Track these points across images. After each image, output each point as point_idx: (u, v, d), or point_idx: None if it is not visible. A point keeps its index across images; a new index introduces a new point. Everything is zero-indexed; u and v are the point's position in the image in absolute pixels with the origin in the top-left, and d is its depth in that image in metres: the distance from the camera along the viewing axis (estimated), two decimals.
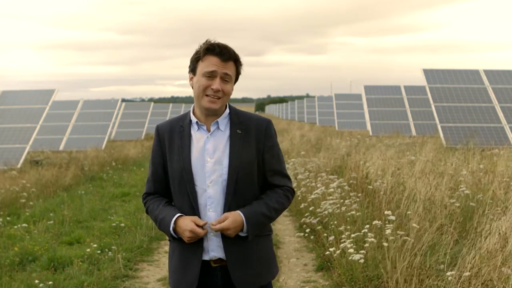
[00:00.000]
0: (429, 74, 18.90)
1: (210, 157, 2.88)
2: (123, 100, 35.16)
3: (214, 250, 2.89)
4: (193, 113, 2.97)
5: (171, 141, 2.95)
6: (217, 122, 2.92)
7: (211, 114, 2.91)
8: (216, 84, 2.84)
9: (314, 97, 49.35)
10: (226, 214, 2.84)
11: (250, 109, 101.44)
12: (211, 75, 2.85)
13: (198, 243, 2.87)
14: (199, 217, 2.87)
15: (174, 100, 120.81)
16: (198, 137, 2.92)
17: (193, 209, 2.87)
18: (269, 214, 2.92)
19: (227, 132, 2.92)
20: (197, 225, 2.82)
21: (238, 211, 2.85)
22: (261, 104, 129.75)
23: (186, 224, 2.82)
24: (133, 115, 31.91)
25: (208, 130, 2.92)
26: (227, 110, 2.96)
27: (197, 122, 2.93)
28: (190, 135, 2.92)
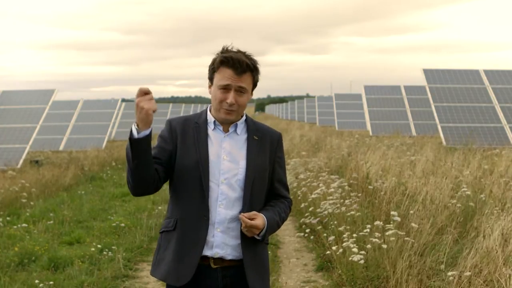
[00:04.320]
0: (429, 74, 18.89)
1: (226, 155, 2.90)
2: (123, 100, 35.16)
3: (218, 246, 2.87)
4: (210, 113, 2.98)
5: (184, 135, 2.93)
6: (236, 125, 2.95)
7: (228, 123, 2.96)
8: (231, 98, 2.86)
9: (314, 97, 49.33)
10: (255, 212, 2.85)
11: (250, 109, 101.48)
12: (225, 88, 2.87)
13: (201, 236, 2.85)
14: (208, 210, 2.85)
15: (174, 100, 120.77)
16: (214, 135, 2.94)
17: (204, 202, 2.85)
18: (280, 224, 3.00)
19: (244, 136, 2.96)
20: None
21: (263, 215, 2.87)
22: (261, 104, 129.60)
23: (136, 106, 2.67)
24: (133, 115, 31.87)
25: (225, 131, 2.95)
26: (244, 117, 3.00)
27: (214, 122, 2.94)
28: (206, 132, 2.94)
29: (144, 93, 2.69)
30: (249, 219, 2.81)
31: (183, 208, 2.89)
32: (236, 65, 2.84)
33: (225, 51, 2.89)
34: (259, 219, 2.83)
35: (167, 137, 2.95)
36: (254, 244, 2.90)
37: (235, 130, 2.96)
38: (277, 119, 62.88)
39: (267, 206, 2.98)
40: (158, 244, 3.00)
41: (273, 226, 2.93)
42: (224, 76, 2.86)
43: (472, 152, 11.88)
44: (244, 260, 2.88)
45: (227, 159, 2.90)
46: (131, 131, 2.71)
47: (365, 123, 26.46)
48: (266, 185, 2.98)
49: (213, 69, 2.91)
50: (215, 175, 2.87)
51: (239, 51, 2.89)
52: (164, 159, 2.91)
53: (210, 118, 2.96)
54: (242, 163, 2.90)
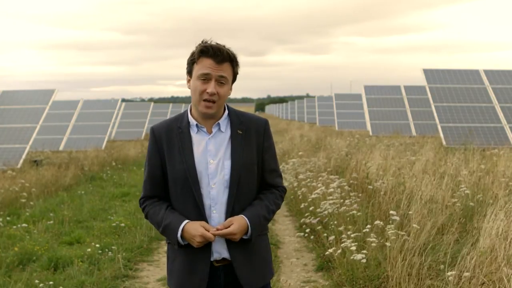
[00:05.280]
0: (429, 74, 18.89)
1: (212, 158, 2.88)
2: (123, 100, 35.16)
3: (218, 251, 2.89)
4: (191, 115, 2.96)
5: (170, 143, 2.92)
6: (219, 124, 2.93)
7: (209, 118, 2.92)
8: (211, 87, 2.83)
9: (314, 97, 49.34)
10: (231, 218, 2.84)
11: (250, 109, 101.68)
12: (206, 78, 2.85)
13: (205, 245, 2.86)
14: (204, 218, 2.86)
15: (174, 100, 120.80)
16: (198, 138, 2.91)
17: (198, 210, 2.86)
18: (268, 216, 2.96)
19: (228, 133, 2.92)
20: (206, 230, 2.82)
21: (242, 215, 2.86)
22: (261, 104, 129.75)
23: (196, 229, 2.80)
24: (133, 115, 31.90)
25: (209, 132, 2.92)
26: (226, 111, 2.97)
27: (197, 125, 2.92)
28: (190, 137, 2.91)
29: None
30: (225, 227, 2.82)
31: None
32: (216, 54, 2.83)
33: (203, 43, 2.88)
34: (234, 225, 2.81)
35: (154, 150, 2.96)
36: (243, 243, 2.89)
37: (219, 129, 2.93)
38: (277, 119, 62.90)
39: (254, 201, 2.95)
40: (167, 255, 3.05)
41: (260, 222, 2.90)
42: (205, 65, 2.84)
43: (472, 152, 11.87)
44: (233, 260, 2.89)
45: (214, 163, 2.87)
46: (176, 236, 2.85)
47: (365, 123, 26.47)
48: (256, 178, 2.96)
49: (192, 61, 2.88)
50: (205, 181, 2.87)
51: (218, 44, 2.89)
52: (162, 179, 2.96)
53: (192, 121, 2.93)
54: (227, 164, 2.87)
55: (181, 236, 2.84)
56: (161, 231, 2.95)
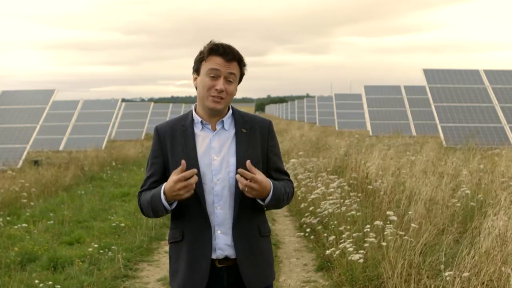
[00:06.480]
0: (429, 74, 18.90)
1: (216, 155, 2.89)
2: (123, 100, 35.17)
3: (221, 248, 2.88)
4: (196, 113, 2.98)
5: (174, 141, 2.94)
6: (222, 121, 2.94)
7: (215, 115, 2.93)
8: (220, 84, 2.86)
9: (314, 97, 49.37)
10: (258, 172, 2.80)
11: (250, 109, 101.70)
12: (215, 75, 2.87)
13: (206, 241, 2.86)
14: (207, 214, 2.86)
15: (174, 100, 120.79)
16: (202, 135, 2.93)
17: (201, 206, 2.87)
18: (285, 196, 2.96)
19: (232, 131, 2.94)
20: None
21: (268, 179, 2.85)
22: (261, 104, 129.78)
23: (172, 179, 2.77)
24: (133, 115, 31.92)
25: (213, 129, 2.94)
26: (230, 111, 2.99)
27: (201, 121, 2.94)
28: (194, 134, 2.93)
29: (188, 178, 2.75)
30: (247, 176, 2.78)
31: (185, 217, 2.90)
32: (227, 52, 2.87)
33: (213, 42, 2.91)
34: (260, 175, 2.79)
35: (157, 149, 2.98)
36: (249, 242, 2.90)
37: (223, 127, 2.95)
38: (277, 119, 62.89)
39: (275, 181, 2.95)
40: (170, 255, 3.03)
41: (280, 195, 2.89)
42: (214, 63, 2.87)
43: (472, 152, 11.88)
44: (238, 259, 2.88)
45: (217, 159, 2.89)
46: (161, 201, 2.81)
47: (365, 123, 26.48)
48: None
49: (200, 59, 2.91)
50: (208, 178, 2.87)
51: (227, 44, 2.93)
52: (163, 177, 2.95)
53: (197, 118, 2.95)
54: (232, 160, 2.88)
55: (167, 201, 2.80)
56: (151, 209, 2.90)
